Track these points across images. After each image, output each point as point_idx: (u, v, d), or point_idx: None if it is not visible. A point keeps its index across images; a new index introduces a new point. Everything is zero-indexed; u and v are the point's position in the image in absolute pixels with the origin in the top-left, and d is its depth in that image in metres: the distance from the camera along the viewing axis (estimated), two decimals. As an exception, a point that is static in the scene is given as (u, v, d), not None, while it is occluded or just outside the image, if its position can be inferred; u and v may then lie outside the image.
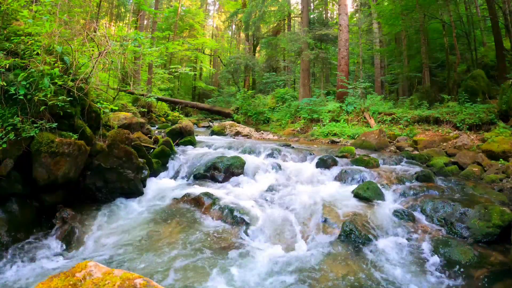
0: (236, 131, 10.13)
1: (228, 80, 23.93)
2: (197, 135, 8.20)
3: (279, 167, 5.41)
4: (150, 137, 6.15)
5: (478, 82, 9.20)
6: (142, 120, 7.09)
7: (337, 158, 5.74)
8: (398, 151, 7.34)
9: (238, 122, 12.45)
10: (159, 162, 5.27)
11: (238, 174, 5.14)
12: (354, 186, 4.49)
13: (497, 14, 10.39)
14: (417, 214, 3.71)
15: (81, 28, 4.26)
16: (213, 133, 10.26)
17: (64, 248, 3.02)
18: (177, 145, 6.61)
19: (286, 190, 4.54)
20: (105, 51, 4.02)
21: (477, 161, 5.64)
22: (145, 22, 21.50)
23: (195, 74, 25.26)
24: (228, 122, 11.00)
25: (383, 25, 16.06)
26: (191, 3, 29.36)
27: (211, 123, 14.58)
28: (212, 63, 31.34)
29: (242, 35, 27.34)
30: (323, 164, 5.48)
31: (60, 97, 3.26)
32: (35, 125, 3.11)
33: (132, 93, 12.44)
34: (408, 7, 12.48)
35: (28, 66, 3.20)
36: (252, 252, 2.96)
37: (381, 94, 13.53)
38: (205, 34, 29.50)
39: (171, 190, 4.60)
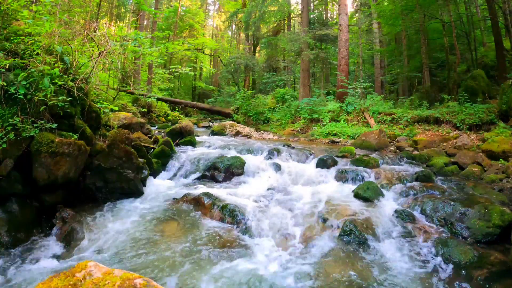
0: (236, 131, 10.13)
1: (228, 80, 23.93)
2: (197, 135, 8.20)
3: (279, 167, 5.41)
4: (150, 137, 6.15)
5: (478, 82, 9.20)
6: (142, 120, 7.10)
7: (337, 158, 5.74)
8: (398, 151, 7.34)
9: (238, 122, 12.44)
10: (159, 162, 5.27)
11: (238, 174, 5.14)
12: (354, 186, 4.49)
13: (497, 14, 10.39)
14: (417, 214, 3.71)
15: (81, 28, 4.26)
16: (213, 133, 10.26)
17: (64, 248, 3.02)
18: (177, 145, 6.61)
19: (286, 190, 4.54)
20: (105, 51, 4.02)
21: (477, 161, 5.64)
22: (145, 22, 21.50)
23: (195, 74, 25.25)
24: (228, 122, 11.00)
25: (383, 25, 16.06)
26: (191, 3, 29.35)
27: (211, 123, 14.58)
28: (212, 63, 31.34)
29: (242, 35, 27.35)
30: (323, 164, 5.48)
31: (60, 97, 3.26)
32: (35, 125, 3.11)
33: (132, 93, 12.44)
34: (408, 7, 12.47)
35: (28, 66, 3.20)
36: (252, 252, 2.96)
37: (381, 94, 13.52)
38: (205, 34, 29.50)
39: (171, 190, 4.60)
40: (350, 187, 4.61)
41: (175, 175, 5.26)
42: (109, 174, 3.91)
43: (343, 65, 12.59)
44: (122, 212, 3.77)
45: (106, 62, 4.28)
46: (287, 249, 3.09)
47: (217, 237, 3.22)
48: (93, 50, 4.18)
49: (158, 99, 14.92)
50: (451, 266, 2.75)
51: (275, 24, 22.65)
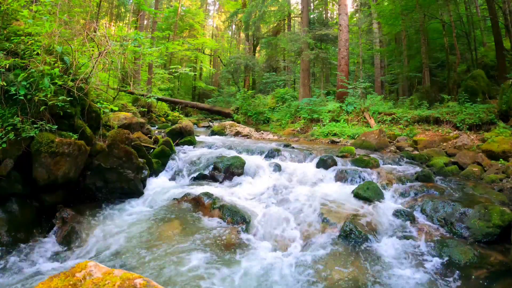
0: (236, 131, 10.13)
1: (228, 80, 23.94)
2: (197, 135, 8.20)
3: (279, 167, 5.41)
4: (150, 137, 6.15)
5: (478, 82, 9.20)
6: (142, 120, 7.09)
7: (337, 158, 5.74)
8: (398, 151, 7.34)
9: (238, 122, 12.44)
10: (159, 162, 5.27)
11: (238, 174, 5.14)
12: (354, 186, 4.49)
13: (497, 14, 10.39)
14: (417, 214, 3.71)
15: (81, 28, 4.26)
16: (213, 133, 10.26)
17: (64, 248, 3.02)
18: (177, 145, 6.61)
19: (286, 190, 4.54)
20: (105, 51, 4.02)
21: (477, 161, 5.64)
22: (145, 22, 21.50)
23: (195, 74, 25.25)
24: (228, 122, 11.00)
25: (383, 25, 16.06)
26: (191, 3, 29.35)
27: (211, 123, 14.58)
28: (212, 63, 31.34)
29: (242, 35, 27.34)
30: (323, 164, 5.48)
31: (60, 97, 3.26)
32: (35, 125, 3.11)
33: (132, 93, 12.44)
34: (408, 7, 12.47)
35: (28, 66, 3.20)
36: (252, 252, 2.96)
37: (381, 94, 13.52)
38: (205, 34, 29.51)
39: (171, 190, 4.60)
40: (350, 187, 4.61)
41: (175, 175, 5.26)
42: (109, 174, 3.91)
43: (343, 65, 12.59)
44: (122, 212, 3.77)
45: (106, 62, 4.28)
46: (287, 249, 3.09)
47: (217, 237, 3.21)
48: (93, 50, 4.17)
49: (158, 99, 14.92)
50: (451, 266, 2.75)
51: (275, 24, 22.65)
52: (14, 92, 3.00)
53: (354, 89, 11.39)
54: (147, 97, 9.81)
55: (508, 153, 5.70)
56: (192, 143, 6.92)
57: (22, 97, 3.01)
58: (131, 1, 21.74)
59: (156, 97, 12.84)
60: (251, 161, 5.57)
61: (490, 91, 9.25)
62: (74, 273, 1.34)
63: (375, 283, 2.50)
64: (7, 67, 3.07)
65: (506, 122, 7.19)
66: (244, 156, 5.79)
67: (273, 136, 10.77)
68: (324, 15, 21.41)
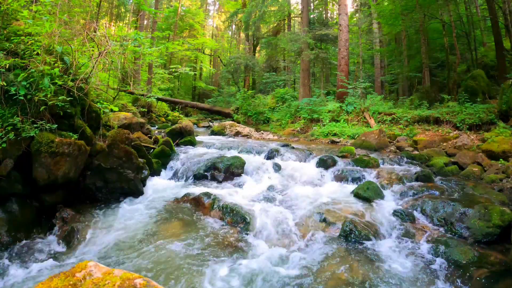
0: (236, 131, 10.13)
1: (228, 80, 23.94)
2: (197, 135, 8.20)
3: (279, 167, 5.41)
4: (150, 137, 6.15)
5: (478, 82, 9.20)
6: (142, 120, 7.10)
7: (337, 158, 5.74)
8: (398, 151, 7.34)
9: (238, 122, 12.44)
10: (159, 162, 5.27)
11: (238, 174, 5.14)
12: (354, 186, 4.49)
13: (497, 14, 10.39)
14: (417, 214, 3.71)
15: (81, 28, 4.26)
16: (213, 133, 10.26)
17: (64, 248, 3.02)
18: (177, 145, 6.61)
19: (286, 190, 4.54)
20: (105, 51, 4.02)
21: (477, 161, 5.64)
22: (145, 22, 21.50)
23: (195, 74, 25.26)
24: (228, 122, 11.00)
25: (383, 25, 16.05)
26: (191, 3, 29.35)
27: (211, 123, 14.58)
28: (212, 63, 31.34)
29: (242, 35, 27.34)
30: (323, 164, 5.48)
31: (60, 97, 3.26)
32: (35, 125, 3.11)
33: (132, 93, 12.44)
34: (408, 7, 12.47)
35: (28, 66, 3.20)
36: (252, 252, 2.96)
37: (381, 94, 13.52)
38: (205, 34, 29.50)
39: (171, 190, 4.60)
40: (350, 187, 4.61)
41: (175, 175, 5.26)
42: (109, 174, 3.91)
43: (343, 65, 12.59)
44: (122, 212, 3.76)
45: (106, 62, 4.28)
46: (286, 249, 3.09)
47: (217, 237, 3.22)
48: (93, 50, 4.17)
49: (158, 99, 14.92)
50: (451, 266, 2.75)
51: (275, 24, 22.65)
52: (14, 92, 2.99)
53: (354, 89, 11.39)
54: (147, 97, 9.82)
55: (508, 153, 5.70)
56: (192, 143, 6.92)
57: (22, 97, 3.01)
58: (131, 1, 21.73)
59: (156, 97, 12.86)
60: (251, 161, 5.57)
61: (490, 91, 9.25)
62: (74, 273, 1.34)
63: (375, 283, 2.50)
64: (7, 67, 3.07)
65: (506, 122, 7.19)
66: (244, 156, 5.80)
67: (273, 136, 10.77)
68: (324, 15, 21.40)
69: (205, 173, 5.14)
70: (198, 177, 5.12)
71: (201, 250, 2.94)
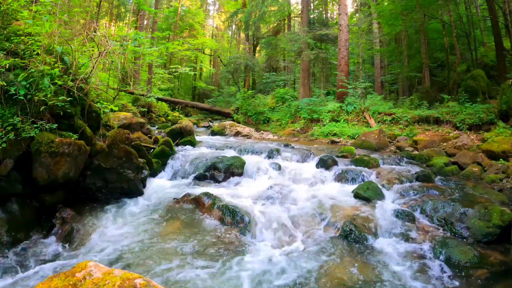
0: (236, 131, 10.13)
1: (228, 80, 23.96)
2: (197, 135, 8.20)
3: (279, 167, 5.41)
4: (150, 137, 6.15)
5: (478, 82, 9.20)
6: (142, 120, 7.09)
7: (337, 158, 5.74)
8: (398, 151, 7.34)
9: (238, 122, 12.45)
10: (159, 162, 5.27)
11: (238, 174, 5.14)
12: (354, 186, 4.49)
13: (497, 14, 10.39)
14: (417, 214, 3.71)
15: (81, 28, 4.26)
16: (213, 133, 10.26)
17: (64, 248, 3.02)
18: (177, 145, 6.61)
19: (286, 190, 4.54)
20: (105, 51, 4.02)
21: (477, 161, 5.64)
22: (145, 22, 21.47)
23: (195, 74, 25.28)
24: (228, 122, 11.00)
25: (383, 25, 16.05)
26: (191, 3, 29.34)
27: (211, 123, 14.58)
28: (212, 63, 31.34)
29: (242, 35, 27.35)
30: (323, 164, 5.48)
31: (60, 97, 3.26)
32: (35, 125, 3.11)
33: (132, 93, 12.44)
34: (408, 7, 12.47)
35: (28, 66, 3.20)
36: (252, 252, 2.96)
37: (381, 94, 13.52)
38: (205, 34, 29.49)
39: (171, 190, 4.60)
40: (350, 187, 4.61)
41: (175, 175, 5.26)
42: (109, 174, 3.91)
43: (343, 65, 12.59)
44: (122, 212, 3.77)
45: (106, 62, 4.28)
46: (287, 249, 3.09)
47: (217, 237, 3.22)
48: (93, 50, 4.18)
49: (158, 99, 14.92)
50: (451, 266, 2.75)
51: (275, 24, 22.65)
52: (14, 92, 2.99)
53: (354, 89, 11.39)
54: (147, 97, 9.83)
55: (508, 153, 5.70)
56: (192, 143, 6.92)
57: (22, 97, 3.01)
58: (131, 1, 21.73)
59: (156, 97, 12.88)
60: (251, 161, 5.57)
61: (490, 91, 9.25)
62: (74, 273, 1.34)
63: (375, 283, 2.50)
64: (7, 67, 3.07)
65: (506, 122, 7.18)
66: (244, 156, 5.80)
67: (273, 136, 10.77)
68: (324, 15, 21.39)
69: (205, 173, 5.14)
70: (198, 177, 5.11)
71: (201, 250, 2.94)
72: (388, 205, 3.98)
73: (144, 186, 4.44)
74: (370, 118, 10.06)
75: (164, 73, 18.57)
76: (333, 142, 8.97)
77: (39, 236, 3.13)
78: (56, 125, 3.26)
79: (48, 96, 3.15)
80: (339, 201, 4.07)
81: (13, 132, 2.91)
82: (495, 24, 10.23)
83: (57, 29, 3.62)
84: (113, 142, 4.01)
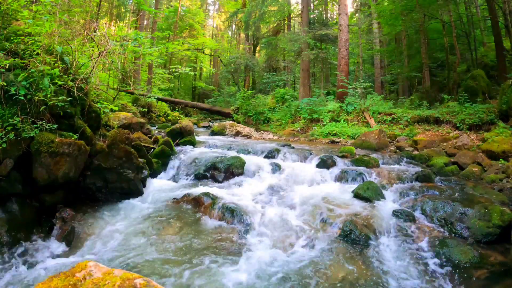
0: (236, 131, 10.13)
1: (228, 80, 23.95)
2: (197, 135, 8.20)
3: (279, 167, 5.41)
4: (150, 137, 6.15)
5: (478, 82, 9.20)
6: (142, 120, 7.09)
7: (337, 158, 5.74)
8: (398, 151, 7.34)
9: (238, 122, 12.45)
10: (159, 162, 5.27)
11: (238, 174, 5.14)
12: (354, 186, 4.49)
13: (497, 14, 10.39)
14: (417, 214, 3.71)
15: (81, 28, 4.26)
16: (213, 133, 10.26)
17: (64, 248, 3.02)
18: (177, 145, 6.61)
19: (286, 190, 4.54)
20: (105, 51, 4.02)
21: (477, 161, 5.64)
22: (145, 22, 21.47)
23: (195, 74, 25.26)
24: (228, 122, 11.00)
25: (383, 25, 16.05)
26: (191, 3, 29.34)
27: (211, 123, 14.58)
28: (212, 63, 31.33)
29: (242, 35, 27.35)
30: (323, 164, 5.48)
31: (60, 97, 3.26)
32: (35, 125, 3.11)
33: (132, 93, 12.44)
34: (408, 7, 12.47)
35: (28, 66, 3.20)
36: (252, 252, 2.96)
37: (381, 94, 13.52)
38: (205, 34, 29.48)
39: (171, 190, 4.60)
40: (350, 187, 4.61)
41: (175, 175, 5.26)
42: (109, 174, 3.91)
43: (343, 65, 12.59)
44: (122, 212, 3.77)
45: (106, 62, 4.28)
46: (287, 249, 3.09)
47: (217, 237, 3.22)
48: (93, 50, 4.17)
49: (158, 99, 14.92)
50: (451, 266, 2.75)
51: (275, 24, 22.65)
52: (14, 92, 2.99)
53: (354, 89, 11.39)
54: (147, 97, 9.83)
55: (508, 153, 5.70)
56: (192, 143, 6.92)
57: (22, 97, 3.01)
58: (131, 1, 21.72)
59: (156, 97, 12.87)
60: (251, 161, 5.57)
61: (490, 91, 9.25)
62: (74, 273, 1.34)
63: (375, 283, 2.50)
64: (7, 67, 3.07)
65: (506, 122, 7.18)
66: (244, 156, 5.80)
67: (273, 136, 10.77)
68: (324, 15, 21.39)
69: (205, 173, 5.14)
70: (198, 177, 5.12)
71: (201, 250, 2.94)
72: (388, 205, 3.98)
73: (144, 186, 4.44)
74: (370, 118, 10.06)
75: (164, 73, 18.57)
76: (333, 142, 8.97)
77: (39, 236, 3.13)
78: (56, 125, 3.26)
79: (48, 96, 3.14)
80: (339, 201, 4.07)
81: (13, 132, 2.91)
82: (495, 24, 10.23)
83: (57, 29, 3.62)
84: (113, 142, 4.01)
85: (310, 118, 11.15)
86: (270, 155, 6.17)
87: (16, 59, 3.18)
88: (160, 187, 4.68)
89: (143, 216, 3.69)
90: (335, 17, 21.75)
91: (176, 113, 15.76)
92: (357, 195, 4.21)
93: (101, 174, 3.87)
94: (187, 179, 5.15)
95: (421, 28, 12.56)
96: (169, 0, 27.69)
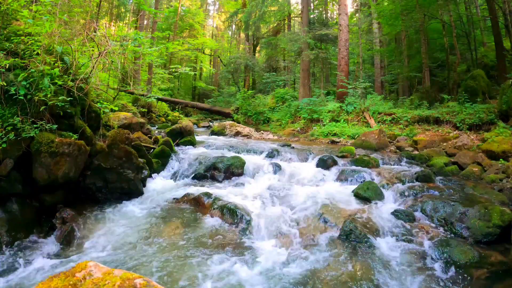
0: (236, 131, 10.13)
1: (228, 80, 23.96)
2: (197, 135, 8.20)
3: (279, 167, 5.41)
4: (150, 137, 6.15)
5: (478, 82, 9.20)
6: (142, 120, 7.09)
7: (337, 158, 5.74)
8: (398, 151, 7.34)
9: (238, 122, 12.44)
10: (159, 162, 5.27)
11: (238, 174, 5.14)
12: (354, 186, 4.49)
13: (497, 14, 10.39)
14: (417, 214, 3.70)
15: (81, 28, 4.26)
16: (213, 133, 10.26)
17: (64, 248, 3.02)
18: (177, 145, 6.61)
19: (286, 190, 4.54)
20: (105, 51, 4.02)
21: (477, 161, 5.64)
22: (145, 22, 21.47)
23: (195, 74, 25.25)
24: (228, 122, 11.00)
25: (383, 25, 16.05)
26: (191, 3, 29.34)
27: (211, 123, 14.58)
28: (212, 63, 31.33)
29: (242, 35, 27.35)
30: (323, 164, 5.48)
31: (60, 97, 3.26)
32: (35, 125, 3.11)
33: (132, 93, 12.44)
34: (408, 7, 12.47)
35: (28, 66, 3.20)
36: (252, 252, 2.96)
37: (381, 94, 13.52)
38: (205, 34, 29.48)
39: (171, 190, 4.60)
40: (350, 187, 4.61)
41: (175, 175, 5.26)
42: (109, 174, 3.91)
43: (343, 65, 12.58)
44: (122, 212, 3.77)
45: (106, 62, 4.29)
46: (287, 249, 3.09)
47: (217, 237, 3.22)
48: (93, 50, 4.18)
49: (158, 99, 14.92)
50: (451, 266, 2.74)
51: (275, 24, 22.67)
52: (14, 92, 2.99)
53: (354, 89, 11.39)
54: (147, 97, 9.83)
55: (508, 153, 5.70)
56: (192, 143, 6.92)
57: (22, 97, 3.01)
58: (131, 1, 21.73)
59: (156, 97, 12.86)
60: (251, 161, 5.57)
61: (490, 91, 9.25)
62: (74, 273, 1.34)
63: (375, 283, 2.50)
64: (7, 67, 3.07)
65: (506, 122, 7.18)
66: (244, 156, 5.79)
67: (273, 136, 10.77)
68: (324, 15, 21.40)
69: (205, 173, 5.14)
70: (198, 177, 5.12)
71: (201, 250, 2.94)
72: (388, 205, 3.98)
73: (144, 186, 4.44)
74: (370, 118, 10.06)
75: (164, 73, 18.57)
76: (333, 142, 8.97)
77: (39, 236, 3.13)
78: (56, 125, 3.26)
79: (48, 96, 3.15)
80: (339, 201, 4.06)
81: (13, 132, 2.91)
82: (495, 24, 10.23)
83: (57, 29, 3.62)
84: (113, 142, 4.01)
85: (310, 118, 11.15)
86: (270, 155, 6.17)
87: (16, 59, 3.18)
88: (160, 187, 4.68)
89: (143, 216, 3.69)
90: (335, 17, 21.75)
91: (176, 113, 15.76)
92: (357, 195, 4.21)
93: (101, 174, 3.87)
94: (187, 179, 5.15)
95: (421, 28, 12.56)
96: (169, 0, 27.70)
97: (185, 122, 7.43)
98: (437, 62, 13.47)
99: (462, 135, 7.44)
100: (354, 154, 6.27)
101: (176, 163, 5.49)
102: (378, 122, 9.88)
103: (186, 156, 5.73)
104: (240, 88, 20.15)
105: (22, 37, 3.36)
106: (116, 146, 4.01)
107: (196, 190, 4.38)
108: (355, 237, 3.15)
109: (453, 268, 2.71)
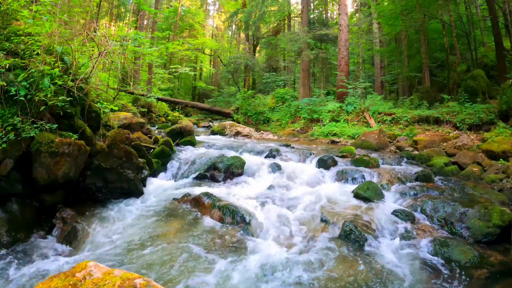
0: (236, 131, 10.13)
1: (228, 80, 23.96)
2: (197, 135, 8.20)
3: (279, 167, 5.41)
4: (150, 137, 6.15)
5: (478, 82, 9.20)
6: (142, 120, 7.09)
7: (337, 158, 5.74)
8: (398, 151, 7.34)
9: (238, 122, 12.45)
10: (159, 162, 5.27)
11: (238, 174, 5.14)
12: (354, 186, 4.49)
13: (497, 14, 10.39)
14: (417, 214, 3.71)
15: (81, 28, 4.26)
16: (213, 133, 10.26)
17: (64, 248, 3.02)
18: (177, 145, 6.61)
19: (286, 190, 4.54)
20: (105, 51, 4.02)
21: (477, 161, 5.64)
22: (145, 22, 21.46)
23: (195, 74, 25.26)
24: (228, 122, 11.00)
25: (383, 25, 16.06)
26: (191, 3, 29.34)
27: (211, 123, 14.58)
28: (212, 63, 31.34)
29: (242, 35, 27.35)
30: (323, 164, 5.48)
31: (60, 97, 3.26)
32: (35, 125, 3.11)
33: (132, 93, 12.44)
34: (408, 7, 12.48)
35: (28, 66, 3.20)
36: (252, 252, 2.96)
37: (381, 94, 13.53)
38: (205, 34, 29.48)
39: (171, 190, 4.60)
40: (350, 187, 4.61)
41: (175, 175, 5.26)
42: (109, 174, 3.91)
43: (343, 65, 12.59)
44: (122, 212, 3.76)
45: (106, 62, 4.29)
46: (287, 249, 3.09)
47: (217, 237, 3.21)
48: (93, 50, 4.18)
49: (158, 99, 14.92)
50: (451, 266, 2.75)
51: (275, 24, 22.68)
52: (14, 92, 2.99)
53: (354, 89, 11.40)
54: (147, 97, 9.83)
55: (508, 153, 5.70)
56: (192, 143, 6.92)
57: (22, 97, 3.01)
58: (131, 1, 21.73)
59: (156, 97, 12.86)
60: (251, 161, 5.57)
61: (490, 91, 9.25)
62: (74, 273, 1.34)
63: (375, 283, 2.50)
64: (7, 67, 3.07)
65: (506, 122, 7.18)
66: (244, 156, 5.80)
67: (273, 136, 10.77)
68: (324, 15, 21.41)
69: (205, 173, 5.14)
70: (198, 177, 5.12)
71: (201, 250, 2.93)
72: (388, 205, 3.98)
73: (144, 186, 4.44)
74: (370, 118, 10.06)
75: (164, 73, 18.57)
76: (333, 142, 8.97)
77: (39, 236, 3.13)
78: (56, 125, 3.26)
79: (48, 96, 3.15)
80: (339, 201, 4.07)
81: (13, 132, 2.91)
82: (495, 24, 10.23)
83: (57, 29, 3.62)
84: (113, 142, 4.01)
85: (310, 118, 11.15)
86: (270, 155, 6.17)
87: (16, 59, 3.18)
88: (160, 187, 4.68)
89: (143, 216, 3.69)
90: (335, 17, 21.76)
91: (176, 113, 15.76)
92: (357, 195, 4.21)
93: (101, 174, 3.87)
94: (187, 179, 5.15)
95: (421, 28, 12.56)
96: (169, 0, 27.69)
97: (185, 122, 7.43)
98: (437, 62, 13.48)
99: (462, 135, 7.45)
100: (354, 154, 6.27)
101: (176, 163, 5.49)
102: (378, 122, 9.88)
103: (186, 156, 5.73)
104: (240, 88, 20.16)
105: (22, 37, 3.36)
106: (116, 146, 4.01)
107: (196, 190, 4.38)
108: (355, 237, 3.15)
109: (453, 268, 2.71)
